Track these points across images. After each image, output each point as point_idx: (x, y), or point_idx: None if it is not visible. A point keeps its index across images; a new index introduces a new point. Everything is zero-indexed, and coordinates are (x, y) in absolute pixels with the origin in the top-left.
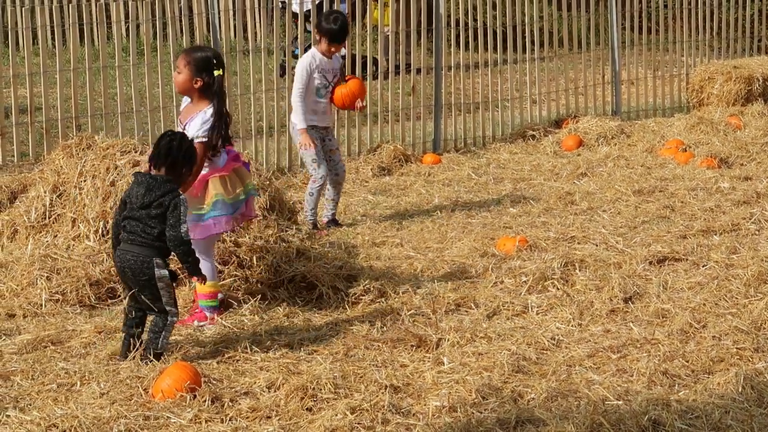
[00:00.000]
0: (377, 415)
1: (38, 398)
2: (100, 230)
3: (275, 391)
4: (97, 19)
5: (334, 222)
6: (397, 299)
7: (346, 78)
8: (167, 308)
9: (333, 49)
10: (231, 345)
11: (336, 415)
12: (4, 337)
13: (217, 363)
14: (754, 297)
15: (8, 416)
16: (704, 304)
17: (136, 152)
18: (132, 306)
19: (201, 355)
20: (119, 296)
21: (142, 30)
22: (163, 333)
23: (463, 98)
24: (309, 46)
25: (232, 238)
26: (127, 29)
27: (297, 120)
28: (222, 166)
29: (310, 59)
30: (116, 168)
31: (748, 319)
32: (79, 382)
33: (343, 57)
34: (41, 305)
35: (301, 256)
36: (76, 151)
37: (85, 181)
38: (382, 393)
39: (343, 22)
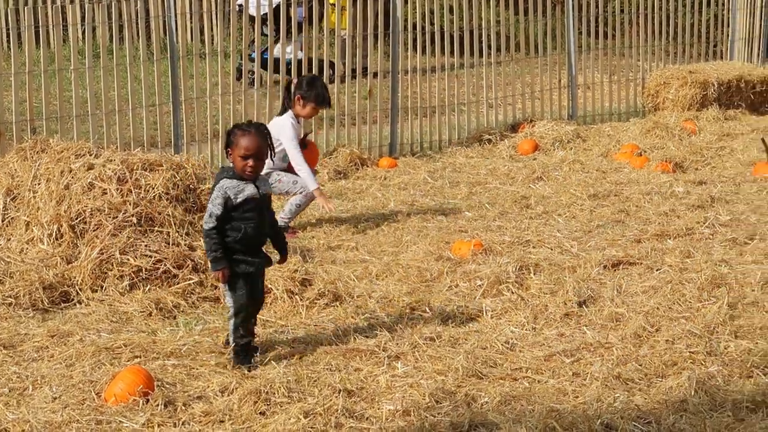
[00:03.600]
0: (330, 419)
1: None
2: (53, 234)
3: (229, 395)
4: (53, 22)
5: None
6: (351, 303)
7: (306, 141)
8: (227, 303)
9: (316, 113)
10: (185, 349)
11: (289, 419)
12: None
13: (172, 367)
14: (707, 301)
15: None
16: (658, 308)
17: (90, 155)
18: None
19: (155, 359)
20: (72, 300)
21: (98, 33)
22: (230, 329)
23: (419, 102)
24: (265, 50)
25: (187, 242)
26: (84, 32)
27: (310, 182)
28: None
29: (292, 122)
30: (71, 171)
31: (701, 323)
32: (31, 387)
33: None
34: None
35: None
36: (31, 154)
37: (39, 184)
38: (336, 397)
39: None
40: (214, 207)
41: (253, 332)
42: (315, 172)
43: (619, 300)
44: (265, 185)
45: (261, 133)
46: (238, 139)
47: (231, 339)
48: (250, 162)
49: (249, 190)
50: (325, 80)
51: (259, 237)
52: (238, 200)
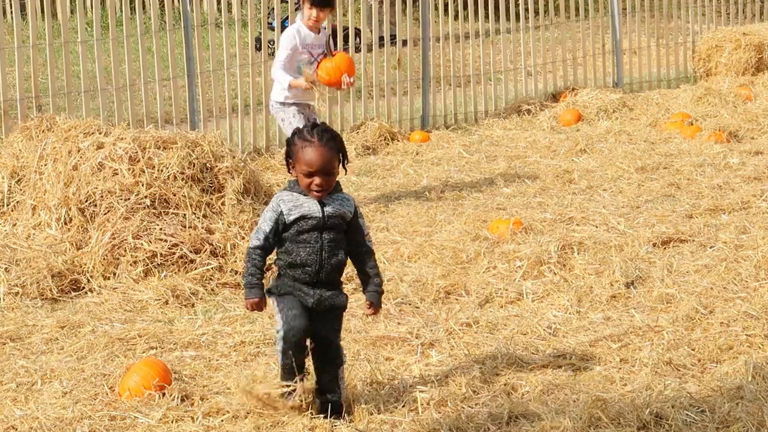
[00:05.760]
0: (360, 412)
1: None
2: (62, 218)
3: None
4: None
5: None
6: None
7: (333, 53)
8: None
9: (318, 16)
10: (204, 339)
11: (316, 414)
12: None
13: (190, 358)
14: (764, 280)
15: None
16: (711, 288)
17: (100, 133)
18: None
19: (172, 350)
20: (83, 288)
21: (107, 2)
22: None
23: (453, 71)
24: (286, 19)
25: (204, 225)
26: (92, 1)
27: (282, 80)
28: None
29: (295, 30)
30: (79, 151)
31: (758, 303)
32: (40, 381)
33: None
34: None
35: None
36: (36, 133)
37: (45, 165)
38: (366, 390)
39: None
40: (263, 222)
41: (302, 364)
42: (352, 84)
43: (670, 280)
44: (342, 205)
45: (326, 141)
46: (298, 153)
47: (279, 361)
48: (316, 180)
49: (308, 206)
50: (351, 50)
51: (319, 267)
52: (292, 217)
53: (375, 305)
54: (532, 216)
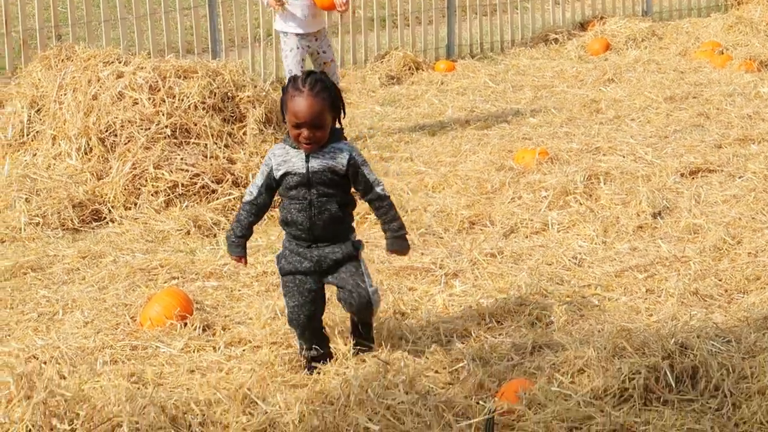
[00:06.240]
0: (382, 342)
1: (17, 328)
2: (82, 148)
3: (272, 319)
4: None
5: None
6: (406, 217)
7: None
8: None
9: None
10: (226, 270)
11: (338, 343)
12: None
13: (211, 288)
14: None
15: None
16: (740, 219)
17: (119, 63)
18: None
19: (193, 281)
20: (104, 218)
21: None
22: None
23: None
24: None
25: (226, 155)
26: None
27: (262, 1)
28: None
29: None
30: (99, 80)
31: None
32: (61, 311)
33: None
34: (20, 229)
35: None
36: (55, 62)
37: (65, 94)
38: (389, 320)
39: None
40: (258, 175)
41: (321, 342)
42: (346, 4)
43: (698, 210)
44: (333, 158)
45: (317, 93)
46: (288, 101)
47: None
48: (303, 132)
49: (294, 162)
50: None
51: (310, 225)
52: (279, 173)
53: (397, 252)
54: (558, 146)
